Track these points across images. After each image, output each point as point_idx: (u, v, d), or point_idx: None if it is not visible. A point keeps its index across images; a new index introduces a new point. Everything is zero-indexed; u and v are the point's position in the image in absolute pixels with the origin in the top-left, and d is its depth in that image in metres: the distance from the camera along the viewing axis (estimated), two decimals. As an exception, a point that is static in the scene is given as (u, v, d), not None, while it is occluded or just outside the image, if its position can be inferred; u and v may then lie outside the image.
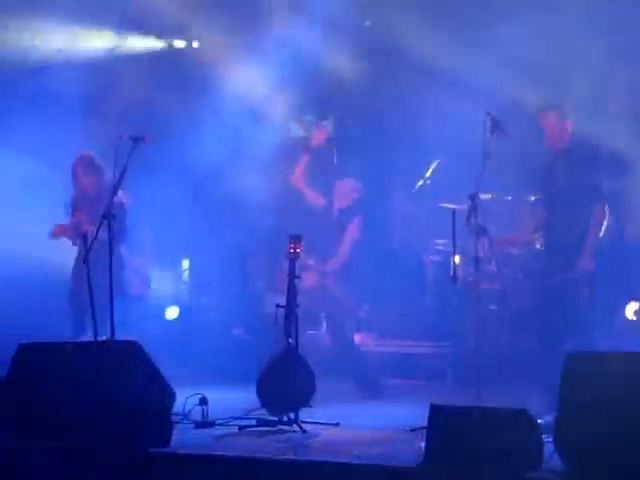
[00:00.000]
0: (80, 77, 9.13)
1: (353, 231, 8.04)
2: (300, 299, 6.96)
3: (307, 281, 7.63)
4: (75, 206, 8.01)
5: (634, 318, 8.48)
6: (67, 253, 8.22)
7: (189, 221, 9.55)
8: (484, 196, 7.39)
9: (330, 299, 7.91)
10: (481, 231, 6.28)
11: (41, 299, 8.94)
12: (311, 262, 7.77)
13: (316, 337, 8.54)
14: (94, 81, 9.28)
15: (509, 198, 8.85)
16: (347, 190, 8.17)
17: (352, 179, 8.34)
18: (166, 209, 9.38)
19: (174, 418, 5.73)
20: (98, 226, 6.36)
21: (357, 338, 8.71)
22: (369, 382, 7.75)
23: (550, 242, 6.77)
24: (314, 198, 8.27)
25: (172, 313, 10.01)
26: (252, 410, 6.26)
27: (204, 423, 6.12)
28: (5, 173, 8.95)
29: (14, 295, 8.85)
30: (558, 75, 8.58)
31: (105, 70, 9.47)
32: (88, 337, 7.10)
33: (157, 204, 9.38)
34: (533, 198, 8.54)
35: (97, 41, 9.49)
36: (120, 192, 6.98)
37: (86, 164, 8.08)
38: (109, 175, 7.10)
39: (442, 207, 8.71)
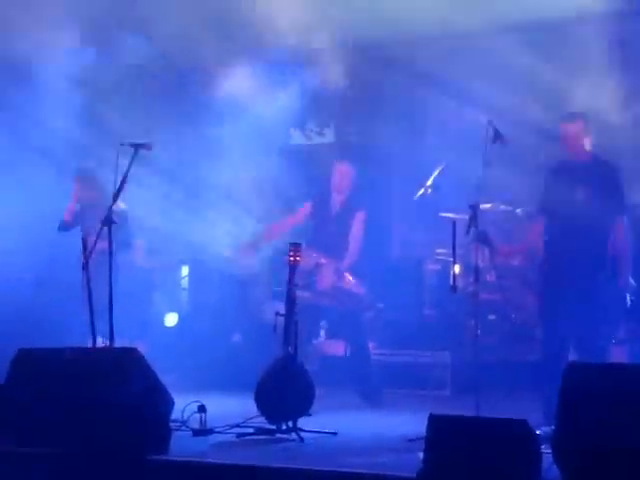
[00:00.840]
0: (82, 81, 9.16)
1: (359, 225, 7.90)
2: (320, 300, 6.95)
3: (324, 282, 7.59)
4: (81, 215, 8.19)
5: None
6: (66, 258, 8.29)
7: (189, 227, 9.56)
8: (485, 206, 7.39)
9: (349, 297, 7.76)
10: (483, 239, 6.25)
11: (41, 303, 8.97)
12: (324, 261, 7.61)
13: (316, 345, 8.53)
14: (95, 86, 9.29)
15: (509, 208, 8.84)
16: (345, 179, 7.98)
17: (346, 163, 8.16)
18: (166, 215, 9.39)
19: (172, 425, 5.73)
20: (98, 233, 6.38)
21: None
22: (370, 391, 7.71)
23: (563, 252, 6.56)
24: (296, 217, 8.11)
25: (171, 320, 10.01)
26: (251, 418, 6.25)
27: (202, 431, 6.11)
28: (6, 176, 8.99)
29: (14, 299, 8.87)
30: (560, 85, 8.59)
31: (106, 76, 9.48)
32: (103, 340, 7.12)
33: (158, 210, 9.41)
34: (519, 210, 8.53)
35: (98, 47, 9.49)
36: (119, 201, 7.04)
37: (84, 179, 8.20)
38: (109, 182, 7.12)
39: (442, 216, 8.72)
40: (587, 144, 6.56)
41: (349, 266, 7.81)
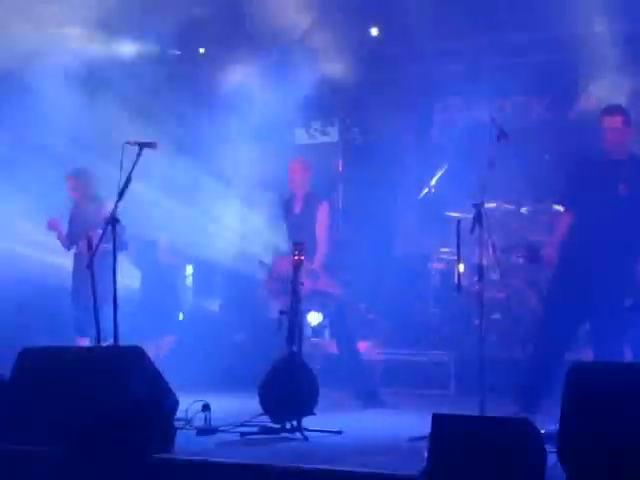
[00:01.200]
0: (86, 80, 9.18)
1: (323, 219, 7.80)
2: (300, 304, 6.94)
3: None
4: (70, 216, 8.23)
5: None
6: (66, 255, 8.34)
7: (194, 226, 9.57)
8: (489, 205, 7.38)
9: (326, 298, 7.67)
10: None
11: (42, 301, 9.01)
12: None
13: (319, 344, 8.53)
14: (101, 85, 9.30)
15: (514, 207, 8.84)
16: (298, 175, 7.90)
17: (298, 160, 8.09)
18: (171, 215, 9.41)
19: (177, 424, 5.74)
20: (102, 232, 6.39)
21: (361, 346, 8.69)
22: (365, 390, 7.68)
23: (596, 247, 6.40)
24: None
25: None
26: (255, 417, 6.26)
27: (207, 429, 6.12)
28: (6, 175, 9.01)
29: (17, 296, 8.92)
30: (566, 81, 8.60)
31: (112, 74, 9.49)
32: (89, 338, 7.20)
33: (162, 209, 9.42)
34: (524, 209, 8.51)
35: (110, 46, 9.51)
36: (111, 203, 7.14)
37: (75, 179, 8.21)
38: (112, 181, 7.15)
39: (447, 215, 8.72)
40: (629, 139, 6.43)
41: (321, 263, 7.70)
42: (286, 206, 8.02)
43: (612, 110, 6.50)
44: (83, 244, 7.57)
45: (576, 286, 6.45)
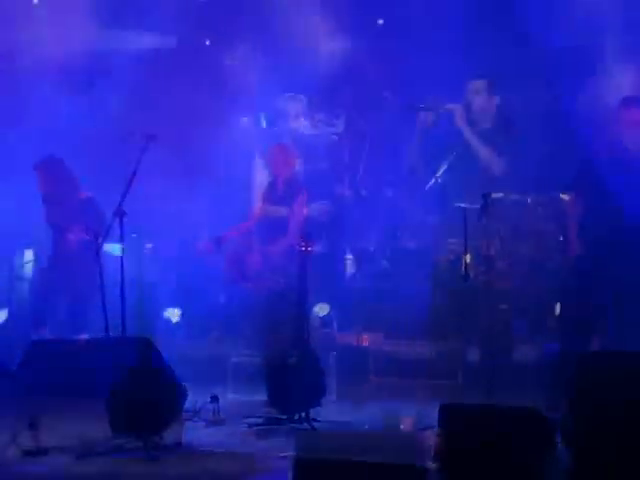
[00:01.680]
0: (88, 74, 9.17)
1: (299, 207, 7.89)
2: (248, 285, 6.98)
3: (250, 267, 7.62)
4: (46, 205, 8.13)
5: None
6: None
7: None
8: (496, 195, 7.36)
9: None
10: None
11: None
12: (255, 247, 7.74)
13: (327, 335, 8.53)
14: (101, 77, 9.29)
15: (520, 197, 8.80)
16: (277, 160, 8.04)
17: (279, 145, 8.21)
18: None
19: (185, 416, 5.75)
20: (108, 226, 6.38)
21: (364, 337, 8.67)
22: None
23: (613, 239, 6.38)
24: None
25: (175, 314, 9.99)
26: (263, 408, 6.26)
27: (215, 421, 6.14)
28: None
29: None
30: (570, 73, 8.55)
31: (114, 67, 9.48)
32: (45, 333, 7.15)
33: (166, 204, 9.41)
34: (529, 199, 8.49)
35: (109, 38, 9.49)
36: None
37: (46, 168, 8.12)
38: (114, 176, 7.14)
39: (454, 206, 8.69)
40: None
41: (283, 248, 7.72)
42: (267, 189, 8.16)
43: (630, 102, 6.41)
44: (73, 237, 7.50)
45: (592, 279, 6.42)
